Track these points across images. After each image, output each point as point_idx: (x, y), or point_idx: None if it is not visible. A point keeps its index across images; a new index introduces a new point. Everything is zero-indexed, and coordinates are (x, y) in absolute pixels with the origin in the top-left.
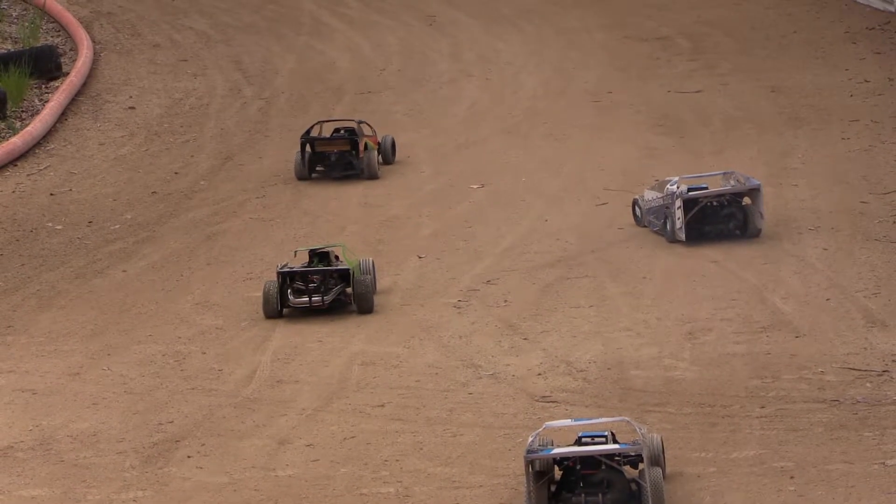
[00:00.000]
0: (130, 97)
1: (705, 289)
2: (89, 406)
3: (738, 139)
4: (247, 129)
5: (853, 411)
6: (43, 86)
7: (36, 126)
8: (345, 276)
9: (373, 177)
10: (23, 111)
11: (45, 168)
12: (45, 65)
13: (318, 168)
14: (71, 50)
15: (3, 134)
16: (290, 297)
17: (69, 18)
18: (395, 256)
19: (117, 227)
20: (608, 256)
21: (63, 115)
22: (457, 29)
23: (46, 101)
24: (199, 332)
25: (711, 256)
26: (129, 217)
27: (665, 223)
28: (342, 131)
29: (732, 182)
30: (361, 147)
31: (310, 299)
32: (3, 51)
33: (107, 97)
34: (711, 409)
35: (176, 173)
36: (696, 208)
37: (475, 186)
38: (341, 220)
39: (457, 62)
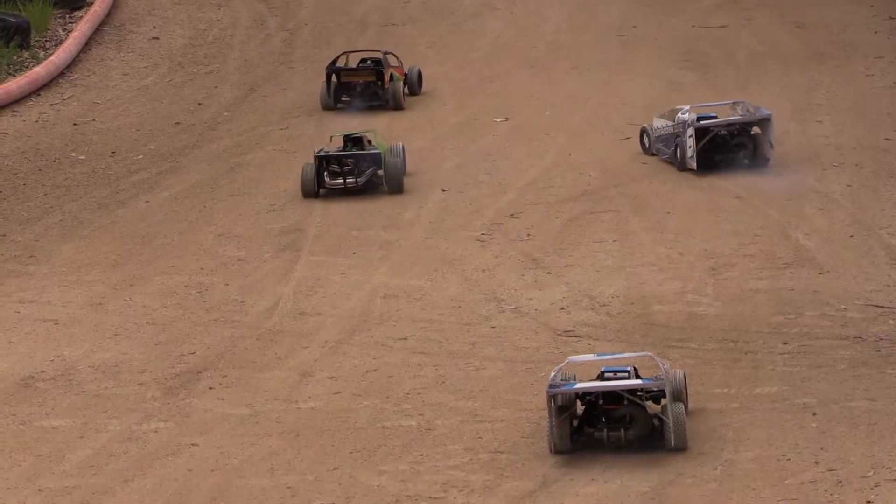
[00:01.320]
0: (154, 27)
1: (729, 224)
2: (111, 336)
3: (763, 75)
4: (270, 61)
5: (876, 348)
6: (67, 15)
7: (59, 56)
8: (377, 159)
9: (398, 108)
10: (46, 41)
11: (68, 98)
12: None
13: (343, 98)
14: None
15: (26, 63)
16: (326, 179)
17: None
18: (419, 189)
19: (140, 157)
20: (631, 191)
21: (87, 45)
22: None
23: (70, 31)
24: (221, 264)
25: (735, 192)
26: (152, 147)
27: (675, 151)
28: (368, 62)
29: (741, 111)
30: (387, 78)
31: (344, 181)
32: None
33: (130, 27)
34: (734, 344)
35: (199, 104)
36: (707, 137)
37: (499, 120)
38: None
39: None
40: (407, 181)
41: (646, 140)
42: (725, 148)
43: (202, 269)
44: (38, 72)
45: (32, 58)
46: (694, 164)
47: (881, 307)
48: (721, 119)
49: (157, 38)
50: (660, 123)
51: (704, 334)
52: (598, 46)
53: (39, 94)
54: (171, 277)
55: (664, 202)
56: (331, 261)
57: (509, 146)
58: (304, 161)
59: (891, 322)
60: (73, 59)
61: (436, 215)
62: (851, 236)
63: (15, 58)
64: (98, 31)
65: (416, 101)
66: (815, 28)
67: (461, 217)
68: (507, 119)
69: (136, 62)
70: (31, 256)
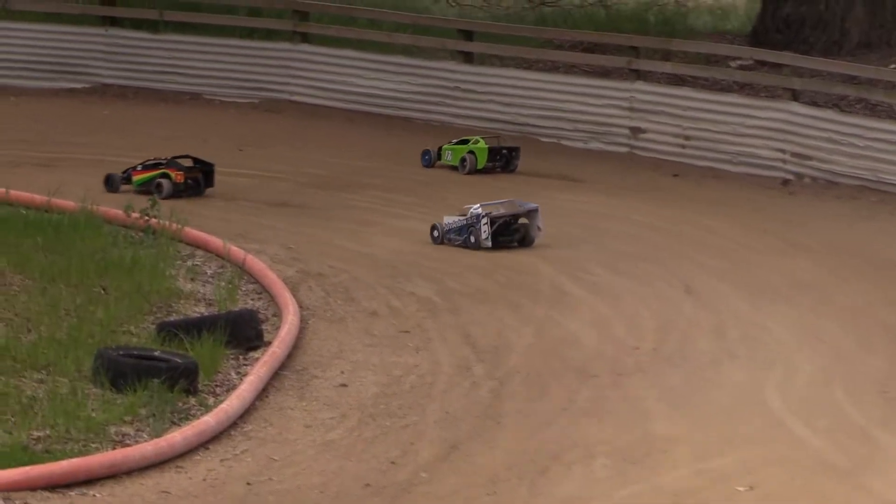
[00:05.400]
0: (342, 372)
1: None
2: None
3: None
4: (476, 414)
5: None
6: (241, 357)
7: (232, 403)
8: None
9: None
10: (217, 385)
11: (241, 452)
12: (243, 332)
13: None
14: (274, 315)
15: (194, 411)
16: None
17: (273, 279)
18: None
19: None
20: None
21: (264, 392)
22: (718, 300)
23: (244, 375)
24: None
25: None
26: None
27: (468, 237)
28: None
29: (518, 206)
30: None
31: None
32: (196, 315)
33: (314, 372)
34: None
35: (393, 463)
36: (496, 224)
37: (741, 489)
38: None
39: (720, 340)
40: None
41: (435, 233)
42: (507, 232)
43: None
44: (208, 421)
45: (200, 405)
46: (489, 244)
47: None
48: (505, 211)
49: (345, 385)
50: (450, 220)
51: None
52: (855, 405)
53: (208, 448)
54: None
55: None
56: None
57: None
58: None
59: None
60: (248, 408)
61: None
62: None
63: (180, 404)
64: (277, 375)
65: (636, 461)
66: None
67: None
68: (751, 487)
69: (320, 412)
70: None
